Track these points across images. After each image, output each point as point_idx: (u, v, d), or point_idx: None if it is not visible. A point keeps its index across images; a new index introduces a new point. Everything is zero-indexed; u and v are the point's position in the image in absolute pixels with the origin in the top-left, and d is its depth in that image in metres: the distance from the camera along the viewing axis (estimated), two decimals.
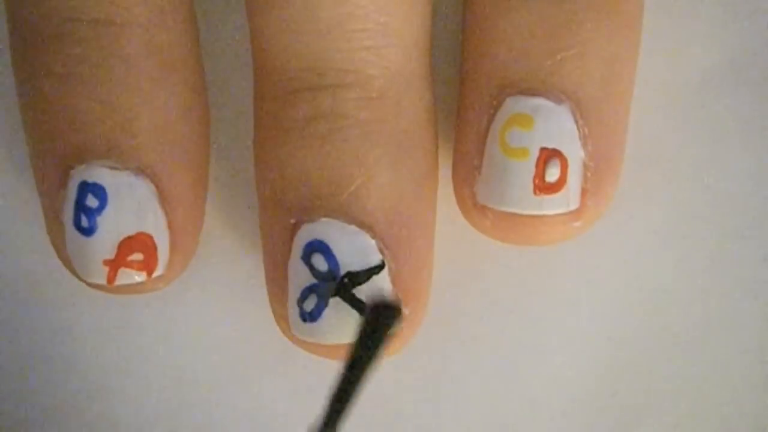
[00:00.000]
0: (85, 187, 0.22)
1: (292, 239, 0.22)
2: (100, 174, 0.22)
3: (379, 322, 0.19)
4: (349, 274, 0.22)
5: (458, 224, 0.24)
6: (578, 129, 0.22)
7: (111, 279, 0.22)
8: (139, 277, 0.22)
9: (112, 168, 0.22)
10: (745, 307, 0.26)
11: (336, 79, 0.22)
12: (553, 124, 0.22)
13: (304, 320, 0.22)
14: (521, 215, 0.23)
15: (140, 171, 0.22)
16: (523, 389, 0.26)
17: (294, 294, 0.22)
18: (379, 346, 0.19)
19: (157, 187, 0.22)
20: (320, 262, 0.22)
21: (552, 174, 0.22)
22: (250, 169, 0.24)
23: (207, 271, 0.26)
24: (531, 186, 0.22)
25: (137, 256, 0.22)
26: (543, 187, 0.22)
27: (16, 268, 0.26)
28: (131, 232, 0.22)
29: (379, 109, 0.22)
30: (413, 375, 0.26)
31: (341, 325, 0.22)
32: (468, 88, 0.24)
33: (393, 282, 0.22)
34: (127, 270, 0.22)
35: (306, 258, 0.22)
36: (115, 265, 0.22)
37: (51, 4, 0.22)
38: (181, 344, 0.26)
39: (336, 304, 0.22)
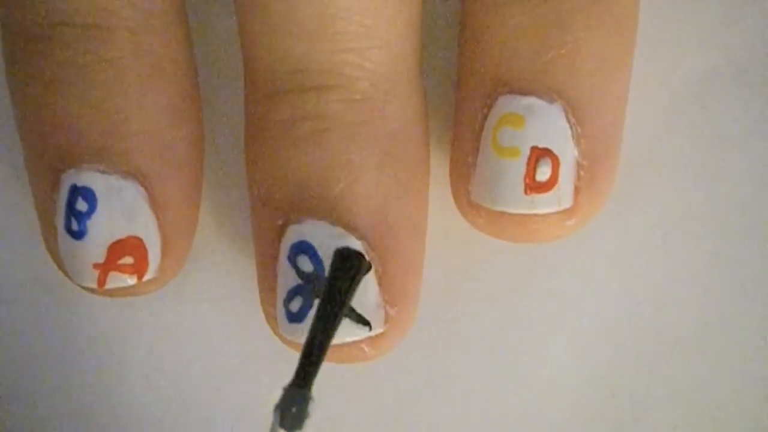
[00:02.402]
0: (76, 191, 0.22)
1: (280, 240, 0.22)
2: (90, 177, 0.22)
3: (345, 272, 0.19)
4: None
5: (457, 225, 0.24)
6: (571, 128, 0.22)
7: (101, 282, 0.22)
8: (130, 280, 0.23)
9: (101, 171, 0.22)
10: (745, 307, 0.26)
11: (319, 81, 0.22)
12: (545, 123, 0.22)
13: (290, 321, 0.22)
14: (513, 214, 0.23)
15: (129, 174, 0.22)
16: (522, 390, 0.26)
17: (281, 294, 0.22)
18: (348, 295, 0.19)
19: (147, 190, 0.23)
20: (305, 264, 0.22)
21: (543, 173, 0.22)
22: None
23: (207, 270, 0.26)
24: (522, 185, 0.22)
25: (127, 260, 0.22)
26: (534, 186, 0.22)
27: (15, 267, 0.26)
28: (121, 235, 0.22)
29: (363, 112, 0.22)
30: (412, 375, 0.26)
31: None
32: (462, 88, 0.24)
33: (380, 283, 0.22)
34: (117, 273, 0.22)
35: (292, 259, 0.22)
36: (105, 268, 0.22)
37: (39, 8, 0.22)
38: (181, 344, 0.26)
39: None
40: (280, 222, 0.22)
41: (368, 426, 0.26)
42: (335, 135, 0.22)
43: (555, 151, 0.22)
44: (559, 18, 0.22)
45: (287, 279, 0.22)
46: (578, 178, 0.22)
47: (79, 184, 0.22)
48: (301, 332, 0.22)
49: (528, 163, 0.22)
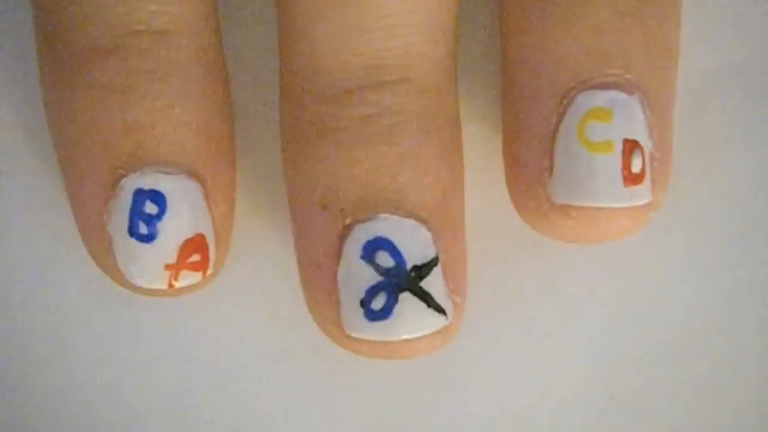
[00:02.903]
0: (142, 195, 0.22)
1: (343, 241, 0.22)
2: (157, 180, 0.22)
3: None
4: (415, 267, 0.22)
5: None
6: (646, 119, 0.22)
7: (173, 283, 0.23)
8: (197, 278, 0.23)
9: (167, 173, 0.22)
10: (744, 310, 0.26)
11: (394, 75, 0.22)
12: (630, 116, 0.22)
13: (373, 319, 0.22)
14: (608, 209, 0.22)
15: (192, 174, 0.23)
16: (520, 391, 0.26)
17: (355, 296, 0.22)
18: None
19: (203, 187, 0.23)
20: (385, 259, 0.22)
21: (636, 165, 0.22)
22: (249, 172, 0.25)
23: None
24: (620, 178, 0.22)
25: (195, 257, 0.23)
26: (630, 178, 0.22)
27: (16, 268, 0.26)
28: (190, 234, 0.23)
29: (429, 102, 0.23)
30: (411, 378, 0.26)
31: (413, 319, 0.22)
32: (525, 90, 0.23)
33: (444, 273, 0.22)
34: (188, 272, 0.23)
35: (368, 257, 0.22)
36: (177, 268, 0.23)
37: (108, 18, 0.22)
38: (182, 346, 0.26)
39: (405, 299, 0.22)
40: (347, 222, 0.22)
41: (368, 426, 0.26)
42: (408, 128, 0.22)
43: (639, 143, 0.22)
44: (636, 9, 0.22)
45: (363, 278, 0.22)
46: (652, 169, 0.22)
47: (146, 187, 0.22)
48: (387, 329, 0.22)
49: (623, 156, 0.22)
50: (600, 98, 0.22)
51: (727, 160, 0.26)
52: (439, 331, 0.22)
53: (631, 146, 0.22)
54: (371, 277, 0.22)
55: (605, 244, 0.24)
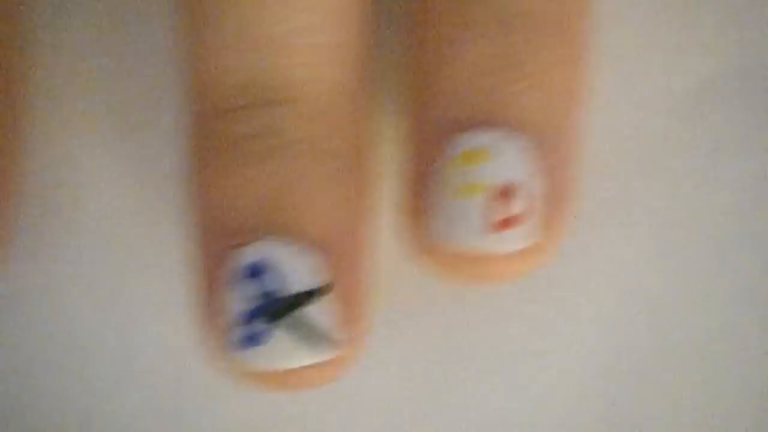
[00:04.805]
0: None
1: (230, 262, 0.22)
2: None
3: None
4: (298, 294, 0.21)
5: None
6: (534, 161, 0.22)
7: None
8: None
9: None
10: (745, 316, 0.26)
11: (275, 95, 0.22)
12: (509, 158, 0.22)
13: (249, 345, 0.21)
14: (479, 253, 0.22)
15: None
16: (520, 398, 0.26)
17: (234, 320, 0.21)
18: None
19: None
20: (266, 283, 0.21)
21: (510, 209, 0.22)
22: None
23: None
24: (490, 222, 0.22)
25: None
26: (502, 223, 0.22)
27: (15, 273, 0.26)
28: None
29: (318, 127, 0.22)
30: (409, 383, 0.26)
31: (289, 347, 0.21)
32: (415, 126, 0.23)
33: (338, 302, 0.22)
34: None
35: (247, 280, 0.21)
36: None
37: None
38: (181, 350, 0.25)
39: (282, 325, 0.21)
40: (234, 244, 0.22)
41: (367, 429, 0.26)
42: (292, 151, 0.22)
43: (519, 185, 0.22)
44: (522, 49, 0.22)
45: (242, 302, 0.21)
46: (540, 213, 0.22)
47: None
48: (260, 356, 0.21)
49: (495, 199, 0.22)
50: (477, 139, 0.22)
51: (726, 165, 0.26)
52: (331, 362, 0.22)
53: (505, 189, 0.22)
54: (250, 301, 0.21)
55: (601, 252, 0.25)
